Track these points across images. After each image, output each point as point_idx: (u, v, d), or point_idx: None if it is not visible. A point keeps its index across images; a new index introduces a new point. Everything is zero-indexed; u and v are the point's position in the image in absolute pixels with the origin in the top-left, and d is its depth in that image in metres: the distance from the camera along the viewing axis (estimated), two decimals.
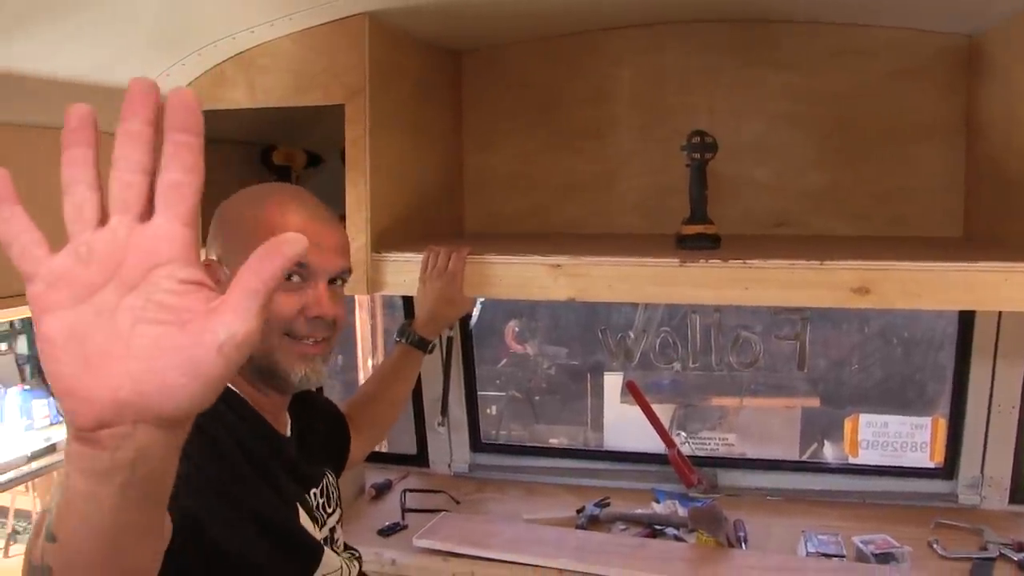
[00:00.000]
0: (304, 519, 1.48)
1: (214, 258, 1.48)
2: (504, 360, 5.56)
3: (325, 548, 1.50)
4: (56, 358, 0.62)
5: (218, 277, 1.45)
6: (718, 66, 2.49)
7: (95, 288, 0.61)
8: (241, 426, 1.42)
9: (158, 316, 0.61)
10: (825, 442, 4.37)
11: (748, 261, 1.87)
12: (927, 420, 2.87)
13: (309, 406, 1.71)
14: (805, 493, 2.84)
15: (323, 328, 1.46)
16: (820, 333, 4.47)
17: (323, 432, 1.78)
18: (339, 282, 1.50)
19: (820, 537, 2.47)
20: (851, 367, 4.88)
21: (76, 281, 0.61)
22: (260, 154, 2.65)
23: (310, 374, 1.47)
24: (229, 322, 0.61)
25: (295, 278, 1.43)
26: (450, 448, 3.11)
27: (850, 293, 1.82)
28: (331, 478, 1.66)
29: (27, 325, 8.04)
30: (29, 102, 1.91)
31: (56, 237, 1.75)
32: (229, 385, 1.41)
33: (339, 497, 1.68)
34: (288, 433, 1.57)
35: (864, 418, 2.93)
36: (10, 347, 8.07)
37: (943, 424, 2.79)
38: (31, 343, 8.20)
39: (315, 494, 1.57)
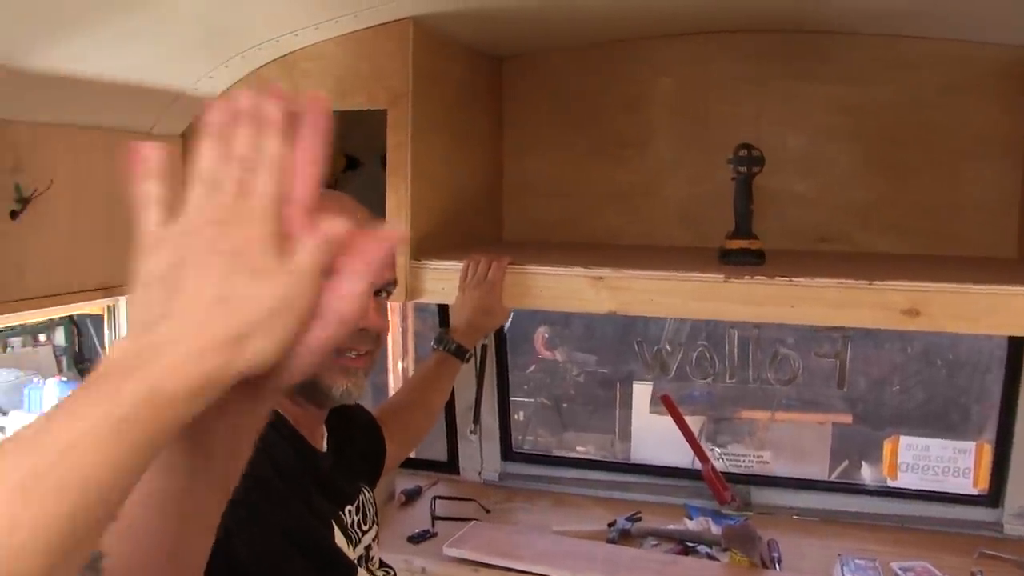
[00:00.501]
0: (338, 538, 1.46)
1: None
2: (533, 366, 5.54)
3: (359, 568, 1.47)
4: None
5: None
6: (764, 76, 2.45)
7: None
8: (275, 441, 1.39)
9: None
10: (862, 463, 4.30)
11: (795, 279, 1.83)
12: (971, 445, 2.80)
13: (345, 417, 1.68)
14: (840, 515, 2.78)
15: (368, 341, 1.44)
16: (861, 351, 4.41)
17: (360, 444, 1.75)
18: (384, 294, 1.48)
19: (857, 561, 2.41)
20: (892, 387, 4.81)
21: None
22: None
23: (352, 388, 1.44)
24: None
25: None
26: (481, 456, 3.08)
27: (900, 315, 1.78)
28: (367, 493, 1.64)
29: (65, 317, 8.13)
30: (76, 103, 1.91)
31: (108, 230, 1.72)
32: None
33: (376, 512, 1.66)
34: (324, 447, 1.54)
35: (904, 440, 2.86)
36: (48, 338, 8.16)
37: (988, 450, 2.71)
38: (68, 335, 8.29)
39: (350, 511, 1.55)
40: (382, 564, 1.65)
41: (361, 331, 1.42)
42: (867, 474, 4.17)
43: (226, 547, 1.10)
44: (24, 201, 1.84)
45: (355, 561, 1.49)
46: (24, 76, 1.73)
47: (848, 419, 4.76)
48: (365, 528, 1.58)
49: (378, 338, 1.46)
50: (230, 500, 0.77)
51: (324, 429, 1.56)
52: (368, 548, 1.58)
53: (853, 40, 2.38)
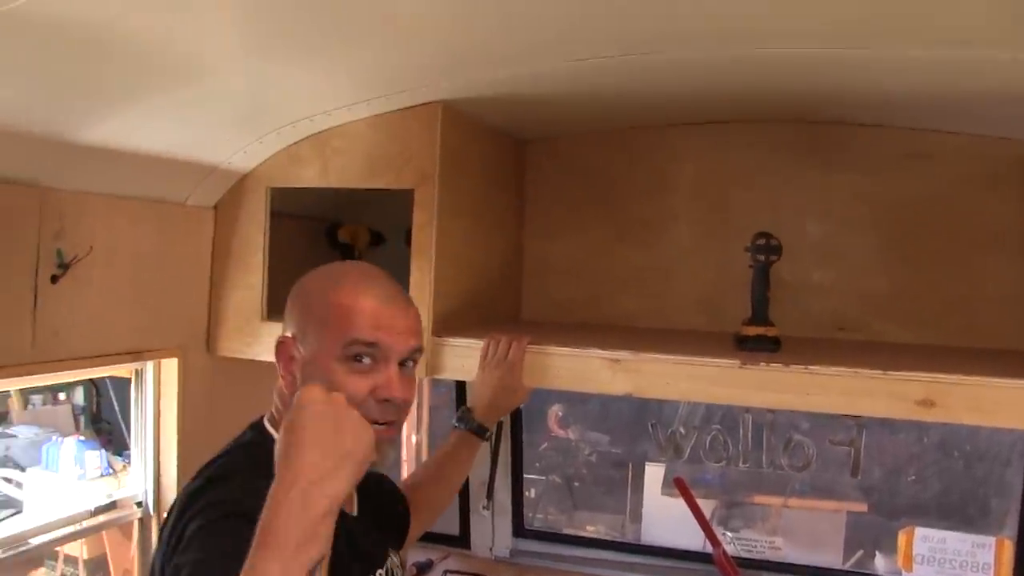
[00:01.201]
0: None
1: (289, 335, 1.50)
2: (546, 444, 5.52)
3: None
4: None
5: (292, 353, 1.48)
6: (783, 165, 2.51)
7: None
8: None
9: None
10: (876, 553, 4.24)
11: (810, 367, 1.85)
12: (991, 540, 2.75)
13: (375, 484, 1.71)
14: None
15: (392, 411, 1.47)
16: (876, 439, 4.38)
17: (387, 511, 1.78)
18: (410, 363, 1.51)
19: None
20: (908, 477, 4.75)
21: None
22: (326, 231, 2.70)
23: (379, 458, 1.47)
24: None
25: (366, 360, 1.44)
26: (493, 532, 3.07)
27: (914, 405, 1.80)
28: (395, 558, 1.66)
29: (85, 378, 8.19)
30: (117, 174, 1.98)
31: (137, 297, 1.76)
32: None
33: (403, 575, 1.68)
34: (355, 511, 1.57)
35: (920, 531, 2.82)
36: (68, 397, 8.22)
37: (1009, 546, 2.67)
38: (87, 395, 8.35)
39: (387, 571, 1.57)
40: None
41: (385, 402, 1.45)
42: (881, 564, 4.12)
43: None
44: (65, 266, 1.91)
45: None
46: (72, 148, 1.81)
47: (863, 507, 4.71)
48: None
49: (403, 406, 1.49)
50: None
51: (354, 493, 1.59)
52: None
53: (872, 131, 2.44)
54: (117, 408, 7.58)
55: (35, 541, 2.20)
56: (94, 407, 8.36)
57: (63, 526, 2.27)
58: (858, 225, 2.45)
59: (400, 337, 1.46)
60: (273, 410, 1.54)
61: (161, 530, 1.44)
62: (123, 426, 7.15)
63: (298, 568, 1.03)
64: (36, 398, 8.16)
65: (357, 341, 1.43)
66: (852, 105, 2.33)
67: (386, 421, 1.47)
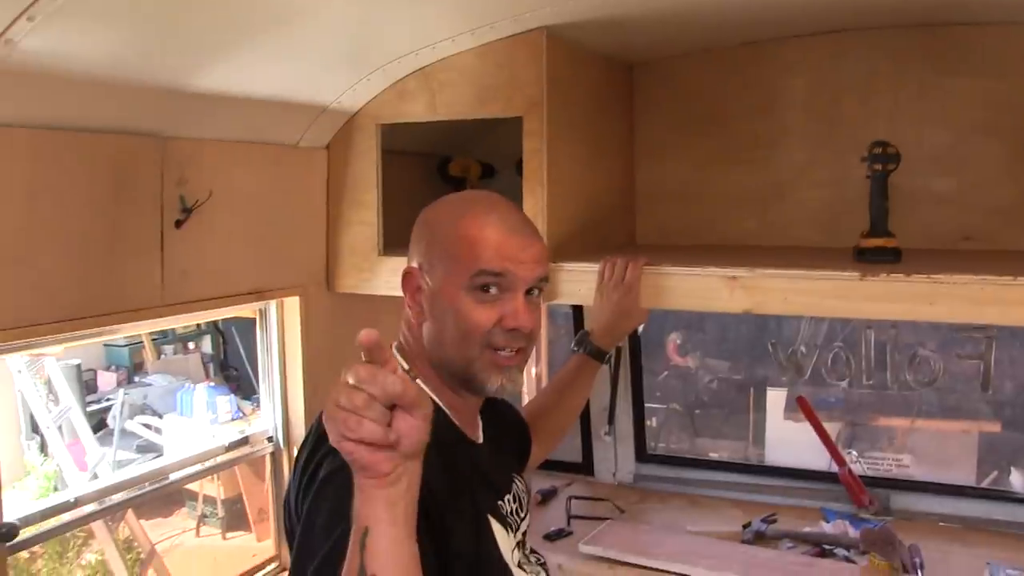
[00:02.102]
0: (496, 528, 1.52)
1: (416, 265, 1.53)
2: (665, 372, 5.52)
3: (512, 569, 1.53)
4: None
5: (419, 284, 1.51)
6: (901, 73, 2.41)
7: None
8: (440, 436, 1.47)
9: None
10: (1012, 469, 4.13)
11: (934, 276, 1.80)
12: None
13: (499, 411, 1.76)
14: (988, 523, 2.68)
15: (520, 339, 1.49)
16: (1007, 353, 4.21)
17: (511, 438, 1.82)
18: (536, 292, 1.52)
19: (1009, 571, 2.33)
20: None
21: None
22: (437, 166, 2.73)
23: (506, 384, 1.50)
24: None
25: (493, 290, 1.46)
26: (615, 457, 3.12)
27: None
28: (520, 483, 1.70)
29: (212, 326, 8.56)
30: (230, 119, 2.05)
31: (258, 238, 1.84)
32: (433, 396, 1.47)
33: (528, 501, 1.72)
34: (480, 439, 1.61)
35: None
36: (197, 346, 8.60)
37: None
38: (214, 343, 8.72)
39: (508, 499, 1.61)
40: (533, 550, 1.71)
41: (514, 330, 1.47)
42: (1017, 481, 4.01)
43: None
44: (188, 211, 1.99)
45: (514, 546, 1.56)
46: (188, 97, 1.87)
47: (996, 427, 4.57)
48: (522, 515, 1.65)
49: (531, 335, 1.51)
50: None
51: (480, 420, 1.63)
52: (524, 534, 1.65)
53: (997, 31, 2.32)
54: (244, 355, 7.90)
55: (175, 476, 2.34)
56: (221, 355, 8.74)
57: (200, 461, 2.40)
58: (983, 131, 2.34)
59: (526, 266, 1.48)
60: (401, 339, 1.58)
61: (296, 461, 1.50)
62: (250, 372, 7.46)
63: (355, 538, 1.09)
64: (167, 348, 8.57)
65: (484, 272, 1.45)
66: (977, 3, 2.22)
67: (516, 349, 1.50)
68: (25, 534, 1.83)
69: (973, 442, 4.48)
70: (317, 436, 1.45)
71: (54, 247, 1.72)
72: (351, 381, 1.03)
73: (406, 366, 1.52)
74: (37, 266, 1.69)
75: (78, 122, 1.73)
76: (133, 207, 1.88)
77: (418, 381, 1.51)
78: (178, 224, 1.98)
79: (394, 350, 1.57)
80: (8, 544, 1.75)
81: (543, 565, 1.70)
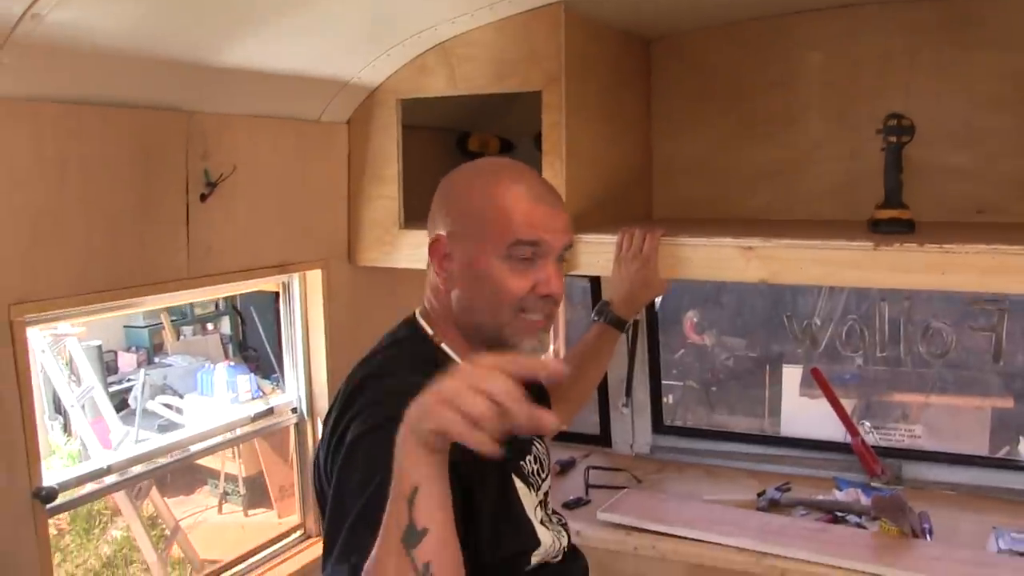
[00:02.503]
0: (520, 487, 1.57)
1: (443, 232, 1.55)
2: (682, 350, 5.55)
3: (535, 526, 1.58)
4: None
5: (446, 251, 1.54)
6: (917, 46, 2.43)
7: None
8: None
9: None
10: (1021, 439, 4.15)
11: (945, 245, 1.84)
12: None
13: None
14: (996, 491, 2.73)
15: (550, 304, 1.54)
16: (1019, 325, 4.23)
17: (535, 401, 1.86)
18: (562, 258, 1.57)
19: (1013, 535, 2.38)
20: None
21: None
22: (456, 140, 2.77)
23: (537, 345, 1.55)
24: None
25: (528, 258, 1.50)
26: (633, 429, 3.16)
27: None
28: (541, 446, 1.74)
29: (230, 307, 8.63)
30: (254, 94, 2.09)
31: (281, 212, 1.88)
32: (458, 360, 1.55)
33: (549, 463, 1.77)
34: None
35: None
36: (216, 327, 8.67)
37: None
38: (233, 324, 8.79)
39: (529, 460, 1.66)
40: (555, 511, 1.76)
41: (545, 297, 1.52)
42: None
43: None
44: (212, 185, 2.04)
45: (536, 504, 1.61)
46: (212, 72, 1.92)
47: (1009, 403, 4.59)
48: (543, 476, 1.70)
49: (558, 301, 1.56)
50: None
51: None
52: (546, 494, 1.70)
53: (1013, 3, 2.33)
54: (263, 334, 7.97)
55: (202, 445, 2.40)
56: (240, 335, 8.80)
57: (226, 431, 2.46)
58: (998, 104, 2.36)
59: (557, 234, 1.52)
60: (426, 303, 1.62)
61: (324, 425, 1.55)
62: (269, 351, 7.52)
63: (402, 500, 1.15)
64: (186, 329, 8.64)
65: (520, 242, 1.49)
66: None
67: (548, 313, 1.55)
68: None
69: (986, 417, 4.50)
70: (345, 400, 1.50)
71: (83, 221, 1.77)
72: (498, 389, 1.14)
73: (431, 331, 1.58)
74: (66, 240, 1.74)
75: (104, 96, 1.78)
76: (159, 181, 1.94)
77: (443, 345, 1.57)
78: (203, 198, 2.03)
79: (418, 317, 1.62)
80: (48, 506, 1.81)
81: (564, 526, 1.75)
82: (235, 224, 2.14)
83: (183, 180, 1.99)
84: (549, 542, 1.60)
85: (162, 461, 2.27)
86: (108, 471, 2.08)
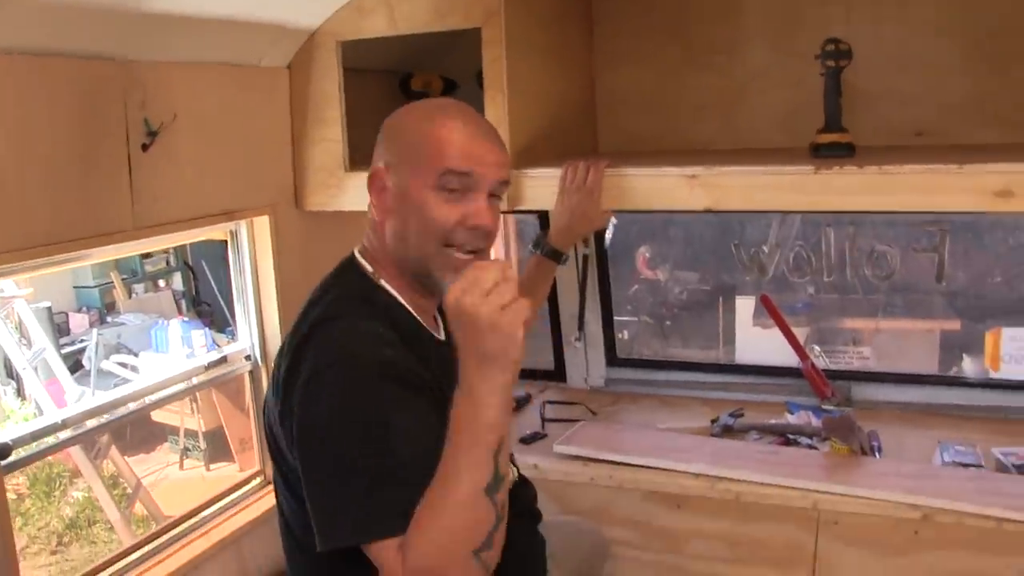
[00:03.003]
0: None
1: (382, 165, 1.58)
2: (635, 286, 5.57)
3: None
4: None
5: (384, 183, 1.56)
6: None
7: None
8: (408, 333, 1.54)
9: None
10: (964, 356, 4.24)
11: (884, 167, 1.87)
12: None
13: None
14: (942, 407, 2.81)
15: (480, 239, 1.55)
16: (960, 246, 4.28)
17: None
18: (497, 196, 1.58)
19: (957, 448, 2.46)
20: (993, 280, 4.67)
21: None
22: (399, 82, 2.74)
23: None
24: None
25: (458, 189, 1.51)
26: (586, 363, 3.20)
27: (992, 197, 1.81)
28: None
29: (181, 262, 8.54)
30: (191, 41, 2.06)
31: (226, 159, 1.85)
32: (396, 295, 1.57)
33: None
34: (442, 336, 1.67)
35: (1007, 332, 2.85)
36: (167, 283, 8.59)
37: None
38: (185, 279, 8.70)
39: None
40: None
41: (473, 229, 1.53)
42: (969, 367, 4.13)
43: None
44: (153, 134, 2.00)
45: None
46: (147, 19, 1.88)
47: (956, 325, 4.67)
48: None
49: (490, 235, 1.57)
50: None
51: (440, 319, 1.68)
52: None
53: None
54: (215, 288, 7.91)
55: (158, 395, 2.39)
56: (193, 290, 8.73)
57: (181, 381, 2.45)
58: (936, 29, 2.38)
59: (491, 168, 1.53)
60: (365, 242, 1.63)
61: (274, 373, 1.56)
62: (223, 305, 7.47)
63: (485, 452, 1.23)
64: (138, 287, 8.55)
65: (451, 171, 1.50)
66: None
67: (472, 250, 1.55)
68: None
69: (935, 340, 4.58)
70: (295, 350, 1.50)
71: (21, 173, 1.74)
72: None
73: (370, 269, 1.59)
74: (5, 192, 1.71)
75: (37, 46, 1.74)
76: (98, 132, 1.90)
77: (382, 281, 1.58)
78: (144, 148, 2.00)
79: (356, 254, 1.63)
80: (3, 463, 1.80)
81: (511, 456, 1.78)
82: (179, 173, 2.11)
83: (123, 130, 1.95)
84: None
85: (117, 414, 2.26)
86: (62, 426, 2.07)
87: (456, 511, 1.22)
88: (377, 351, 1.42)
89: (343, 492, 1.33)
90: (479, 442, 1.18)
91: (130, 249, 2.22)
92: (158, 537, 2.27)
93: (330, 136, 2.41)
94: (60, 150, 1.81)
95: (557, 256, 2.18)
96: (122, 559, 2.16)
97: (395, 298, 1.58)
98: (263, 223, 2.44)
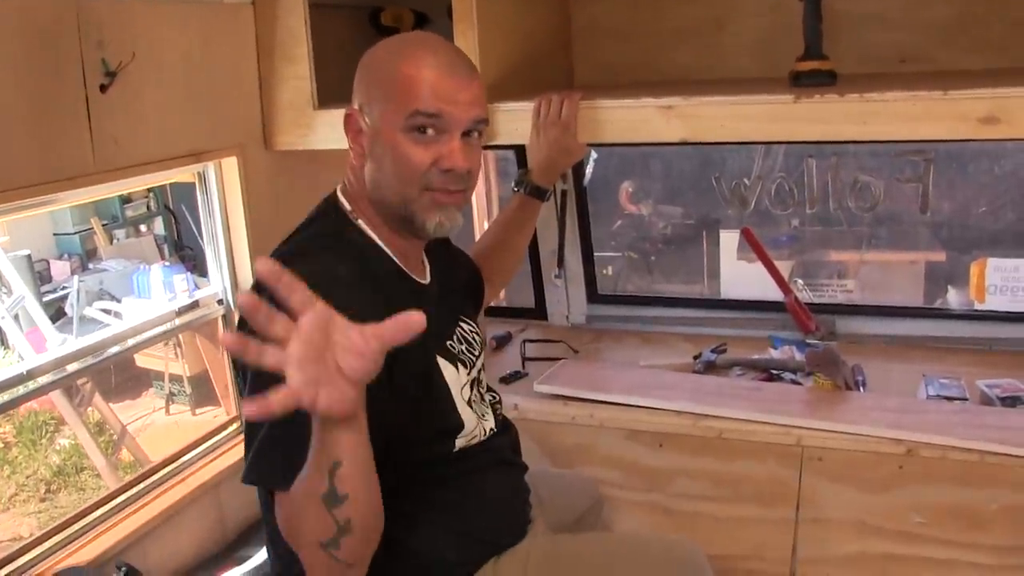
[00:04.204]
0: (446, 367, 1.57)
1: (356, 107, 1.53)
2: (620, 221, 5.55)
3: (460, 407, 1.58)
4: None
5: (359, 126, 1.52)
6: None
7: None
8: (379, 276, 1.51)
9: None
10: (949, 288, 4.23)
11: (866, 95, 1.82)
12: None
13: (448, 252, 1.79)
14: (926, 340, 2.78)
15: (456, 180, 1.49)
16: (945, 176, 4.24)
17: (462, 279, 1.85)
18: (475, 134, 1.52)
19: (942, 381, 2.44)
20: (978, 210, 4.64)
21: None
22: (368, 16, 2.66)
23: (445, 222, 1.51)
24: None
25: (429, 131, 1.46)
26: (567, 300, 3.16)
27: (977, 124, 1.76)
28: (468, 325, 1.73)
29: (163, 207, 8.46)
30: None
31: (190, 99, 1.78)
32: (374, 237, 1.53)
33: (482, 342, 1.76)
34: (427, 279, 1.63)
35: (992, 262, 2.82)
36: (149, 228, 8.51)
37: None
38: (166, 224, 8.62)
39: (456, 339, 1.66)
40: (489, 388, 1.76)
41: (447, 171, 1.47)
42: (954, 298, 4.12)
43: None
44: (111, 75, 1.93)
45: (465, 383, 1.61)
46: None
47: (941, 256, 4.66)
48: (475, 354, 1.69)
49: (468, 176, 1.51)
50: None
51: (426, 261, 1.65)
52: (480, 372, 1.71)
53: None
54: (197, 233, 7.83)
55: (131, 343, 2.36)
56: (175, 235, 8.66)
57: (152, 327, 2.41)
58: None
59: (462, 108, 1.47)
60: (344, 181, 1.59)
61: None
62: (205, 249, 7.41)
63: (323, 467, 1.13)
64: (119, 232, 8.47)
65: (419, 112, 1.44)
66: None
67: (455, 190, 1.50)
68: None
69: (920, 271, 4.58)
70: (255, 286, 1.46)
71: None
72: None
73: (349, 207, 1.56)
74: None
75: None
76: (53, 73, 1.83)
77: (359, 221, 1.53)
78: (103, 89, 1.93)
79: (338, 193, 1.59)
80: None
81: (496, 404, 1.75)
82: (141, 114, 2.04)
83: (79, 71, 1.88)
84: (473, 425, 1.60)
85: (90, 361, 2.23)
86: (28, 376, 2.03)
87: (296, 502, 1.20)
88: (326, 295, 1.38)
89: (252, 436, 1.34)
90: (320, 456, 1.13)
91: (94, 193, 2.16)
92: (137, 484, 2.26)
93: (298, 73, 2.34)
94: (11, 92, 1.74)
95: (541, 193, 2.12)
96: (102, 506, 2.15)
97: (372, 239, 1.55)
98: (231, 164, 2.37)
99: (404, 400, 1.43)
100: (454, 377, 1.58)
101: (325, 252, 1.48)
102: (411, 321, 1.04)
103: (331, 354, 1.03)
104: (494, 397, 1.77)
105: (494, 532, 1.66)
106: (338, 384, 1.03)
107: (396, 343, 1.05)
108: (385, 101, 1.48)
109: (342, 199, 1.58)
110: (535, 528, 1.76)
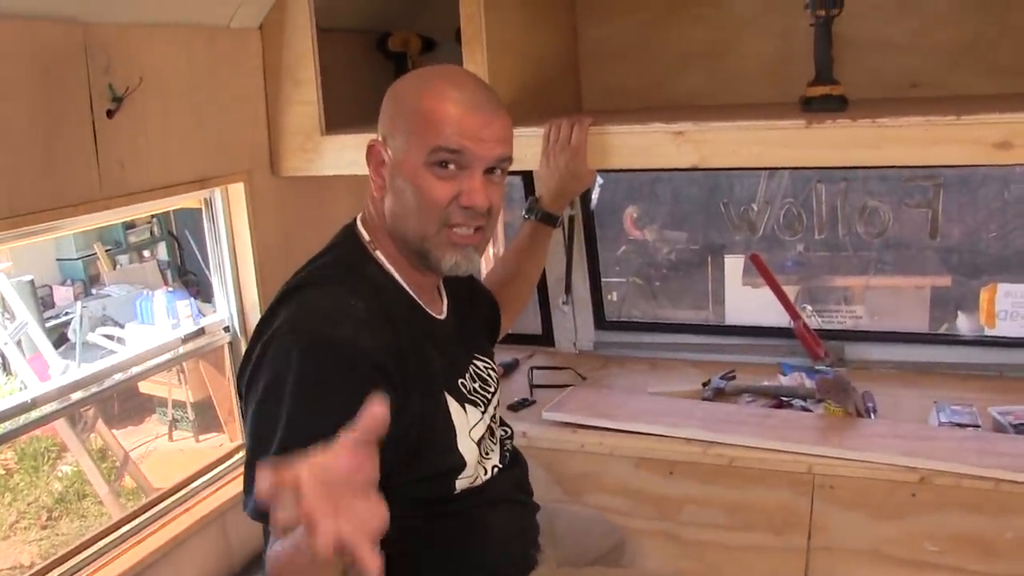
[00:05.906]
0: (454, 407, 1.54)
1: (380, 138, 1.52)
2: (624, 247, 5.54)
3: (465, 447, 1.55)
4: None
5: (381, 157, 1.51)
6: None
7: None
8: (395, 310, 1.49)
9: None
10: (959, 313, 4.21)
11: (878, 119, 1.80)
12: None
13: (465, 286, 1.77)
14: (937, 366, 2.76)
15: (476, 217, 1.48)
16: (954, 201, 4.23)
17: (478, 311, 1.84)
18: (497, 171, 1.51)
19: (953, 408, 2.41)
20: (988, 235, 4.63)
21: None
22: (376, 42, 2.66)
23: (461, 262, 1.50)
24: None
25: (451, 166, 1.45)
26: (575, 326, 3.14)
27: (991, 149, 1.74)
28: (483, 362, 1.71)
29: (166, 232, 8.45)
30: (158, 1, 1.96)
31: (197, 123, 1.77)
32: (391, 269, 1.53)
33: (498, 378, 1.75)
34: (444, 314, 1.62)
35: (1003, 288, 2.80)
36: (152, 254, 8.51)
37: None
38: (170, 249, 8.62)
39: (468, 378, 1.63)
40: (502, 422, 1.75)
41: (467, 208, 1.46)
42: (964, 324, 4.10)
43: None
44: (118, 100, 1.92)
45: (476, 423, 1.58)
46: None
47: (947, 281, 4.65)
48: (490, 392, 1.67)
49: (489, 213, 1.50)
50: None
51: (444, 295, 1.64)
52: (496, 407, 1.69)
53: None
54: (200, 258, 7.83)
55: (135, 371, 2.33)
56: (178, 260, 8.66)
57: (156, 355, 2.38)
58: None
59: (485, 145, 1.46)
60: (364, 212, 1.59)
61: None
62: (208, 274, 7.40)
63: None
64: (123, 258, 8.47)
65: (441, 148, 1.44)
66: None
67: (472, 228, 1.49)
68: None
69: (926, 296, 4.56)
70: (267, 311, 1.47)
71: None
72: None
73: (367, 238, 1.55)
74: None
75: None
76: (60, 98, 1.81)
77: (377, 252, 1.52)
78: (110, 114, 1.91)
79: (358, 223, 1.58)
80: None
81: (507, 439, 1.74)
82: (148, 139, 2.02)
83: (86, 96, 1.87)
84: (474, 465, 1.57)
85: (94, 390, 2.20)
86: (33, 405, 2.01)
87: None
88: (334, 330, 1.37)
89: (248, 467, 1.34)
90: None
91: (100, 219, 2.14)
92: (142, 513, 2.22)
93: (305, 98, 2.33)
94: (19, 119, 1.73)
95: (552, 220, 2.11)
96: (106, 536, 2.11)
97: (389, 272, 1.54)
98: (238, 190, 2.36)
99: (406, 440, 1.42)
100: (461, 418, 1.56)
101: (341, 284, 1.47)
102: (375, 413, 0.94)
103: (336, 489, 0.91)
104: (505, 432, 1.74)
105: (498, 571, 1.64)
106: (356, 509, 0.91)
107: (376, 435, 0.95)
108: (408, 134, 1.47)
109: (361, 229, 1.57)
110: (542, 567, 1.73)
